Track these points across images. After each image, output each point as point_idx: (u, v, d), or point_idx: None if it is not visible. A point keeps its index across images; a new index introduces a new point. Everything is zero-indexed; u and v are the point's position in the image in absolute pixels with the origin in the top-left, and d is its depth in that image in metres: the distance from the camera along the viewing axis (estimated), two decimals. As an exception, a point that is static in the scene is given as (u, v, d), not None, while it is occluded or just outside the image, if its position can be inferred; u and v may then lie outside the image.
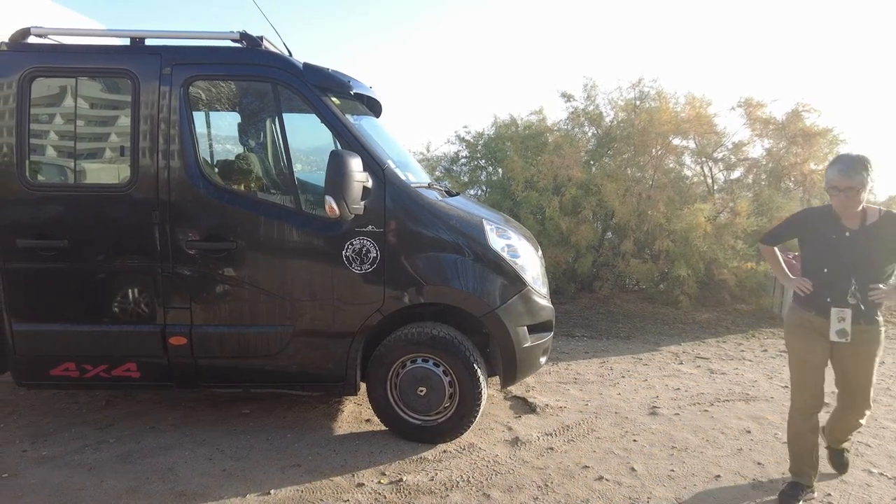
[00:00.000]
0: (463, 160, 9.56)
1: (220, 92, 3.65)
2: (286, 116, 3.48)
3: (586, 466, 3.36)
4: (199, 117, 3.78)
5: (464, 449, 3.53)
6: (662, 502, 3.00)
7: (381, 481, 3.15)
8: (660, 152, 8.09)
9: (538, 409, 4.16)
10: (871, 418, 4.00)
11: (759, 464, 3.42)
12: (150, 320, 3.43)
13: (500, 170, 8.99)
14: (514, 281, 3.52)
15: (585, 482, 3.19)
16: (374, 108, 4.18)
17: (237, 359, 3.50)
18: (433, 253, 3.43)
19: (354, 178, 3.09)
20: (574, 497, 3.04)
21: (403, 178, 3.48)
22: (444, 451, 3.50)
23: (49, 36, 3.47)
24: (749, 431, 3.88)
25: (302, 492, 3.04)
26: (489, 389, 3.94)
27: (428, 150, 9.79)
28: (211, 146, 4.18)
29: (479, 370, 3.49)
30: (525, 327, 3.57)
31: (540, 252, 4.07)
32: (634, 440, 3.72)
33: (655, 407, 4.27)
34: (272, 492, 3.03)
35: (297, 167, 3.61)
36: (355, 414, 4.05)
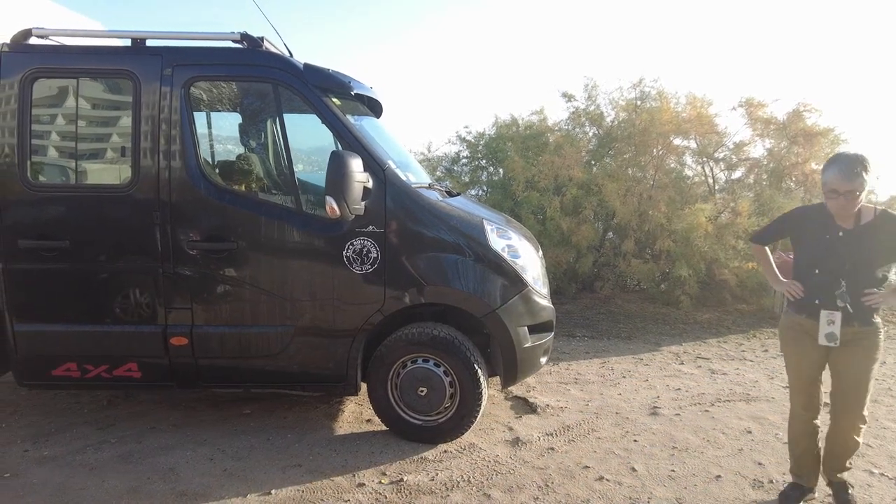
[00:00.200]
0: (464, 160, 9.56)
1: (220, 93, 3.66)
2: (287, 117, 3.49)
3: (587, 466, 3.36)
4: (199, 118, 3.79)
5: (464, 449, 3.53)
6: (663, 502, 3.00)
7: (382, 481, 3.16)
8: (661, 152, 8.09)
9: (539, 410, 4.16)
10: (872, 418, 4.00)
11: (759, 464, 3.42)
12: (152, 320, 3.44)
13: (500, 170, 8.99)
14: (515, 281, 3.52)
15: (586, 482, 3.19)
16: (374, 108, 4.19)
17: (238, 359, 3.50)
18: (434, 253, 3.43)
19: (355, 178, 3.09)
20: (574, 497, 3.04)
21: (404, 178, 3.49)
22: (445, 451, 3.50)
23: (50, 37, 3.48)
24: (750, 432, 3.87)
25: (303, 492, 3.05)
26: (490, 389, 3.94)
27: (429, 151, 9.80)
28: (212, 147, 4.19)
29: (479, 370, 3.49)
30: (526, 327, 3.57)
31: (540, 252, 4.07)
32: (635, 440, 3.72)
33: (656, 407, 4.27)
34: (273, 492, 3.04)
35: (297, 168, 3.62)
36: (356, 414, 4.05)
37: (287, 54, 3.75)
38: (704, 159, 8.40)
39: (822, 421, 2.94)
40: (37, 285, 3.40)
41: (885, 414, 4.23)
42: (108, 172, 3.57)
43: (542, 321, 3.69)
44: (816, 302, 2.70)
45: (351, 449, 3.53)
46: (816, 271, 2.72)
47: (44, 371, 3.50)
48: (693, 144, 8.31)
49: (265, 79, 3.44)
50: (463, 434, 3.63)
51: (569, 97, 8.75)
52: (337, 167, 3.04)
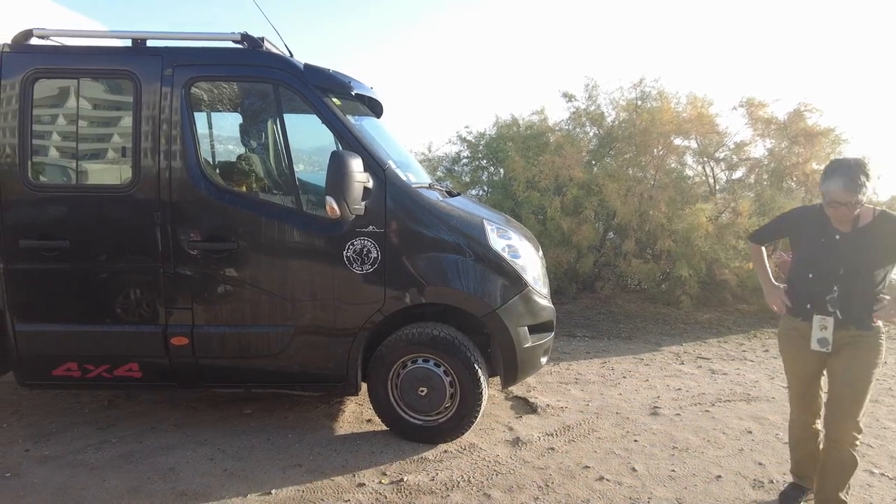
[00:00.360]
0: (464, 160, 9.56)
1: (221, 93, 3.66)
2: (287, 117, 3.49)
3: (587, 466, 3.36)
4: (200, 118, 3.79)
5: (465, 449, 3.54)
6: (663, 502, 3.00)
7: (382, 481, 3.16)
8: (661, 152, 8.08)
9: (539, 410, 4.16)
10: (873, 418, 4.01)
11: (760, 464, 3.42)
12: (152, 320, 3.44)
13: (501, 170, 8.99)
14: (515, 281, 3.52)
15: (586, 482, 3.19)
16: (375, 108, 4.19)
17: (238, 359, 3.51)
18: (434, 253, 3.43)
19: (355, 178, 3.09)
20: (575, 497, 3.04)
21: (404, 178, 3.49)
22: (445, 451, 3.50)
23: (51, 37, 3.49)
24: (750, 432, 3.87)
25: (303, 492, 3.05)
26: (490, 389, 3.94)
27: (429, 151, 9.81)
28: (212, 147, 4.19)
29: (479, 370, 3.49)
30: (526, 327, 3.57)
31: (541, 252, 4.07)
32: (635, 440, 3.72)
33: (656, 407, 4.27)
34: (273, 492, 3.04)
35: (298, 168, 3.62)
36: (356, 414, 4.06)
37: (287, 54, 3.76)
38: (705, 159, 8.39)
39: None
40: (38, 285, 3.40)
41: (886, 414, 4.22)
42: (108, 172, 3.57)
43: (542, 321, 3.69)
44: (808, 307, 2.66)
45: (351, 449, 3.53)
46: (810, 275, 2.67)
47: (45, 371, 3.50)
48: (694, 144, 8.31)
49: (266, 79, 3.45)
50: (463, 434, 3.63)
51: (569, 97, 8.76)
52: (337, 167, 3.04)
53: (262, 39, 3.47)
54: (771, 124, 8.00)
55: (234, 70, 3.52)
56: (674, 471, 3.33)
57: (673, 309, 7.33)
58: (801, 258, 2.77)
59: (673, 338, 6.34)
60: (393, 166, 3.45)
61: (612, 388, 4.69)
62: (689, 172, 8.60)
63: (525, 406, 4.27)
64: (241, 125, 4.19)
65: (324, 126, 3.41)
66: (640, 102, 8.30)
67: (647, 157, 8.11)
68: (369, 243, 3.37)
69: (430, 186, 3.81)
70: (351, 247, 3.37)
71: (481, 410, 3.59)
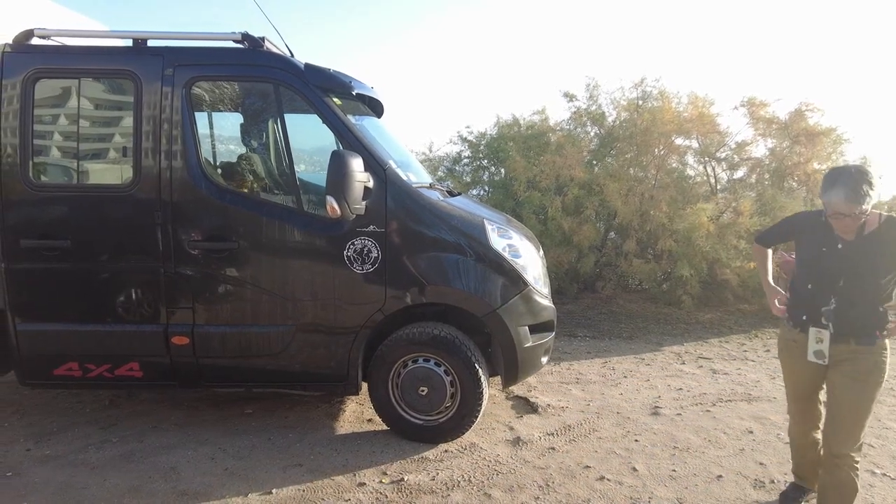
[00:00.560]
0: (465, 160, 9.55)
1: (222, 93, 3.66)
2: (288, 117, 3.49)
3: (588, 466, 3.35)
4: (201, 118, 3.79)
5: (465, 448, 3.54)
6: (664, 502, 3.00)
7: (383, 481, 3.16)
8: (662, 152, 8.07)
9: (540, 409, 4.16)
10: (874, 418, 4.00)
11: (761, 464, 3.42)
12: (153, 320, 3.45)
13: (502, 170, 8.98)
14: (516, 281, 3.52)
15: (587, 482, 3.19)
16: (375, 108, 4.19)
17: (239, 358, 3.51)
18: (434, 253, 3.43)
19: (356, 178, 3.09)
20: (575, 497, 3.04)
21: (405, 178, 3.49)
22: (446, 451, 3.50)
23: (52, 37, 3.49)
24: (751, 432, 3.87)
25: (304, 491, 3.05)
26: (491, 389, 3.94)
27: (430, 151, 9.79)
28: (213, 147, 4.20)
29: (480, 370, 3.49)
30: (526, 327, 3.57)
31: (541, 252, 4.07)
32: (636, 440, 3.71)
33: (657, 407, 4.27)
34: (274, 491, 3.04)
35: (298, 168, 3.63)
36: (357, 414, 4.06)
37: (288, 54, 3.76)
38: (706, 159, 8.39)
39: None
40: (39, 285, 3.41)
41: (888, 414, 4.21)
42: (109, 172, 3.58)
43: (543, 321, 3.69)
44: (804, 318, 2.58)
45: (352, 448, 3.53)
46: (809, 286, 2.57)
47: (46, 370, 3.51)
48: (695, 144, 8.30)
49: (266, 79, 3.45)
50: (464, 434, 3.63)
51: (570, 97, 8.75)
52: (338, 167, 3.04)
53: (263, 39, 3.47)
54: (772, 124, 7.99)
55: (234, 70, 3.52)
56: (675, 471, 3.33)
57: (674, 309, 7.32)
58: (801, 266, 2.67)
59: (674, 338, 6.33)
60: (393, 166, 3.45)
61: (612, 388, 4.69)
62: (691, 172, 8.59)
63: (526, 406, 4.27)
64: (241, 125, 4.19)
65: (324, 126, 3.41)
66: (641, 102, 8.29)
67: (648, 156, 8.10)
68: (370, 243, 3.37)
69: (431, 186, 3.81)
70: (351, 246, 3.37)
71: (482, 410, 3.59)
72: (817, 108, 7.81)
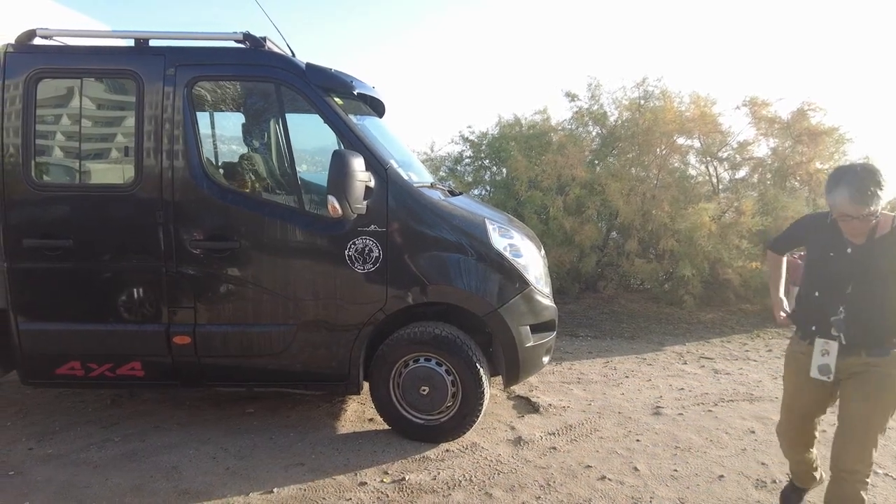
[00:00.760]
0: (467, 160, 9.55)
1: (223, 92, 3.67)
2: (289, 117, 3.50)
3: (589, 466, 3.35)
4: (202, 118, 3.80)
5: (466, 448, 3.54)
6: (665, 502, 3.00)
7: (384, 480, 3.16)
8: (664, 152, 8.07)
9: (541, 409, 4.16)
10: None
11: (762, 464, 3.41)
12: (155, 319, 3.45)
13: (503, 169, 8.99)
14: (517, 280, 3.52)
15: (588, 482, 3.19)
16: (377, 108, 4.19)
17: (241, 358, 3.51)
18: (436, 252, 3.43)
19: (357, 177, 3.10)
20: (577, 496, 3.04)
21: (406, 177, 3.49)
22: (447, 451, 3.50)
23: (54, 37, 3.50)
24: (753, 432, 3.86)
25: (305, 490, 3.05)
26: (492, 389, 3.94)
27: (432, 150, 9.80)
28: (215, 146, 4.20)
29: (481, 369, 3.49)
30: (528, 327, 3.57)
31: (543, 251, 4.07)
32: (638, 440, 3.71)
33: (659, 407, 4.26)
34: (275, 490, 3.04)
35: (300, 167, 3.63)
36: (358, 413, 4.06)
37: (289, 54, 3.76)
38: (708, 159, 8.38)
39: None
40: (41, 284, 3.41)
41: (890, 414, 4.20)
42: (111, 172, 3.59)
43: (544, 320, 3.69)
44: (813, 328, 2.38)
45: (353, 448, 3.54)
46: (816, 293, 2.39)
47: (48, 370, 3.52)
48: (697, 144, 8.29)
49: (268, 78, 3.45)
50: (465, 433, 3.63)
51: (572, 97, 8.74)
52: (339, 166, 3.04)
53: (265, 39, 3.48)
54: (774, 123, 7.98)
55: (236, 69, 3.53)
56: (676, 470, 3.32)
57: (676, 309, 7.31)
58: (808, 272, 2.48)
59: (676, 337, 6.32)
60: (395, 165, 3.45)
61: (614, 388, 4.68)
62: (692, 172, 8.59)
63: (527, 405, 4.27)
64: (243, 125, 4.20)
65: (326, 125, 3.42)
66: (642, 102, 8.28)
67: (649, 156, 8.10)
68: (371, 242, 3.37)
69: (432, 186, 3.81)
70: (353, 246, 3.37)
71: (483, 410, 3.59)
72: (819, 108, 7.81)
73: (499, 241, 3.52)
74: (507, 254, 3.51)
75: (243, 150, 4.13)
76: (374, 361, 3.55)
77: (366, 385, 3.66)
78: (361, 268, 3.38)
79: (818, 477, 2.79)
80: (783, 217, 7.17)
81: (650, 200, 7.59)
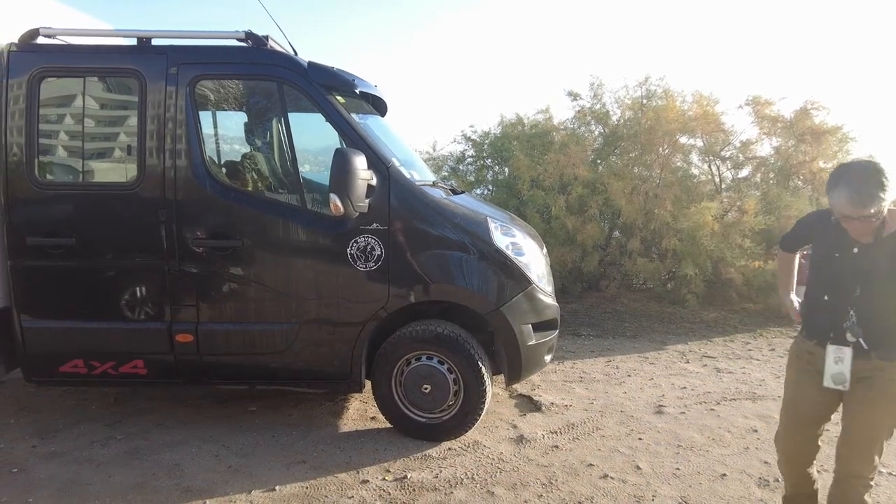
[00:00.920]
0: (469, 159, 9.56)
1: (226, 91, 3.68)
2: (292, 115, 3.51)
3: (591, 464, 3.35)
4: (205, 116, 3.81)
5: (468, 446, 3.54)
6: (668, 500, 2.99)
7: (386, 478, 3.16)
8: (667, 151, 8.06)
9: (543, 408, 4.16)
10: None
11: (765, 463, 3.40)
12: (157, 318, 3.46)
13: (506, 169, 8.98)
14: (519, 279, 3.52)
15: (590, 480, 3.18)
16: (379, 106, 4.19)
17: (243, 356, 3.52)
18: (438, 251, 3.43)
19: (359, 175, 3.10)
20: (579, 495, 3.03)
21: (408, 176, 3.50)
22: (449, 449, 3.50)
23: (57, 36, 3.51)
24: (756, 430, 3.85)
25: (307, 488, 3.06)
26: (494, 387, 3.94)
27: (434, 150, 9.80)
28: (217, 145, 4.21)
29: (483, 368, 3.49)
30: (530, 325, 3.57)
31: (545, 250, 4.06)
32: (640, 438, 3.70)
33: (661, 405, 4.26)
34: (277, 488, 3.05)
35: (303, 166, 3.64)
36: (360, 411, 4.06)
37: (292, 53, 3.76)
38: (711, 158, 8.36)
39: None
40: (44, 282, 3.43)
41: (893, 413, 4.18)
42: (114, 171, 3.60)
43: (546, 319, 3.68)
44: (831, 335, 2.21)
45: (355, 446, 3.54)
46: (826, 297, 2.24)
47: (51, 367, 3.53)
48: (699, 143, 8.28)
49: (270, 77, 3.46)
50: (467, 431, 3.63)
51: (574, 96, 8.74)
52: (341, 164, 3.05)
53: (267, 38, 3.48)
54: (777, 122, 7.97)
55: (238, 68, 3.53)
56: (678, 469, 3.32)
57: (678, 308, 7.30)
58: (813, 277, 2.35)
59: (678, 336, 6.31)
60: (397, 164, 3.45)
61: (616, 387, 4.68)
62: (695, 171, 8.57)
63: (529, 404, 4.26)
64: (245, 123, 4.21)
65: (328, 124, 3.42)
66: (645, 101, 8.27)
67: (652, 155, 8.08)
68: (373, 241, 3.37)
69: (434, 184, 3.81)
70: (355, 244, 3.37)
71: (485, 408, 3.59)
72: (823, 107, 7.79)
73: (501, 240, 3.52)
74: (509, 252, 3.51)
75: (245, 148, 4.14)
76: (377, 360, 3.55)
77: (368, 383, 3.67)
78: (363, 266, 3.39)
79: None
80: (786, 216, 7.15)
81: (653, 199, 7.58)
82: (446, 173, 9.30)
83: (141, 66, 3.37)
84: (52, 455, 3.38)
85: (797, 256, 2.65)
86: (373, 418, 3.92)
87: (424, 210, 3.43)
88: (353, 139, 3.39)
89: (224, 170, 3.89)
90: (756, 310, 7.28)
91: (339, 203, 3.07)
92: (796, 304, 2.57)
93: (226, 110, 4.01)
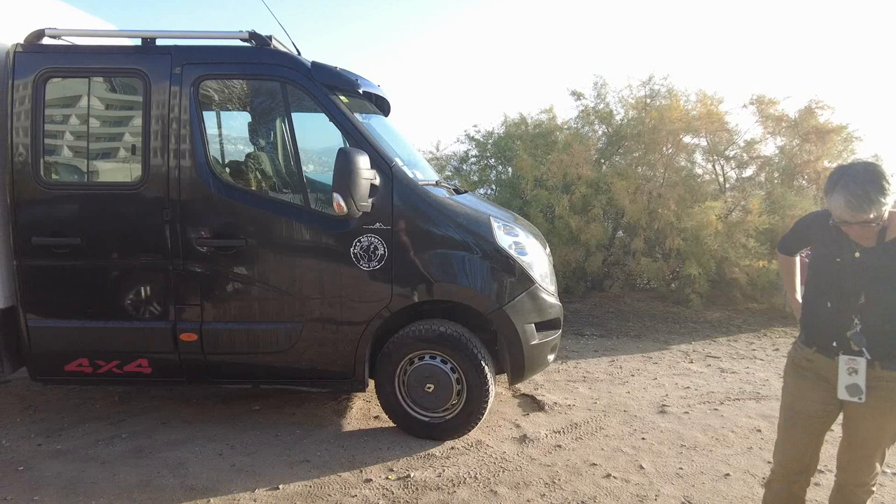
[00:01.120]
0: (473, 159, 9.56)
1: (229, 91, 3.69)
2: (295, 115, 3.51)
3: (594, 464, 3.35)
4: (209, 116, 3.81)
5: (471, 446, 3.54)
6: (670, 500, 2.99)
7: (389, 477, 3.17)
8: (671, 150, 8.03)
9: (546, 407, 4.16)
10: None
11: (769, 462, 3.38)
12: (162, 317, 3.48)
13: (509, 168, 8.98)
14: (522, 278, 3.52)
15: (593, 479, 3.18)
16: (382, 106, 4.20)
17: (247, 355, 3.53)
18: (441, 250, 3.44)
19: (362, 175, 3.11)
20: (581, 494, 3.03)
21: (411, 175, 3.50)
22: (452, 448, 3.51)
23: (62, 37, 3.53)
24: (759, 430, 3.84)
25: (310, 487, 3.07)
26: (497, 387, 3.94)
27: (437, 150, 9.80)
28: (221, 145, 4.22)
29: (486, 367, 3.49)
30: (533, 325, 3.57)
31: (548, 250, 4.06)
32: (643, 438, 3.70)
33: (665, 405, 4.25)
34: (281, 486, 3.06)
35: (306, 166, 3.65)
36: (364, 411, 4.07)
37: (295, 53, 3.78)
38: (715, 157, 8.33)
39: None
40: (50, 282, 3.44)
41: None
42: (118, 170, 3.62)
43: (549, 318, 3.68)
44: (834, 344, 2.10)
45: (358, 445, 3.55)
46: (829, 304, 2.13)
47: (57, 366, 3.55)
48: (703, 142, 8.25)
49: (273, 77, 3.47)
50: (470, 431, 3.63)
51: (578, 95, 8.73)
52: (344, 164, 3.06)
53: (270, 38, 3.49)
54: (781, 122, 7.93)
55: (242, 68, 3.55)
56: (681, 469, 3.31)
57: (682, 307, 7.28)
58: (813, 282, 2.24)
59: (682, 336, 6.30)
60: (400, 164, 3.46)
61: (620, 387, 4.67)
62: (699, 170, 8.54)
63: (532, 403, 4.27)
64: (249, 123, 4.22)
65: (331, 124, 3.43)
66: (649, 100, 8.25)
67: (656, 155, 8.06)
68: (376, 240, 3.38)
69: (437, 184, 3.82)
70: (358, 244, 3.38)
71: (488, 407, 3.60)
72: (827, 106, 7.74)
73: (504, 239, 3.52)
74: (512, 252, 3.51)
75: (249, 148, 4.15)
76: (380, 359, 3.56)
77: (371, 383, 3.68)
78: (367, 265, 3.39)
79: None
80: (790, 216, 7.12)
81: (656, 199, 7.56)
82: (450, 173, 9.30)
83: (145, 66, 3.39)
84: (57, 453, 3.40)
85: (797, 258, 2.56)
86: (376, 417, 3.93)
87: (427, 210, 3.44)
88: (357, 139, 3.39)
89: (228, 169, 3.90)
90: (760, 310, 7.26)
91: (342, 203, 3.08)
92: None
93: (230, 110, 4.02)
